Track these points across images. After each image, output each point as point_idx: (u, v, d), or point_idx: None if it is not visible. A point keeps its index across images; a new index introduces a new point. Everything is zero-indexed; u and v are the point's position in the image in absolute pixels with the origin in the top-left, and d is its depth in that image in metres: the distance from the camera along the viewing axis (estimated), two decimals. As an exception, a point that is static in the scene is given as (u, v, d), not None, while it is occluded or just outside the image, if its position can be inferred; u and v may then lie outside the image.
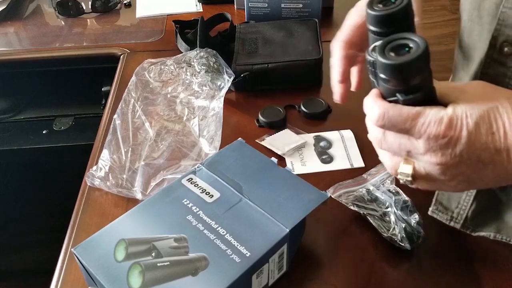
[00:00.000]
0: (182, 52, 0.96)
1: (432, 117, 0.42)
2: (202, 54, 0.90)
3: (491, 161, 0.42)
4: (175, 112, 0.83)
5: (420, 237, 0.61)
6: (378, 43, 0.44)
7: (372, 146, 0.48)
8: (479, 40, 0.57)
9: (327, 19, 1.14)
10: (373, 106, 0.45)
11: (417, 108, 0.43)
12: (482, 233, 0.61)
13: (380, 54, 0.42)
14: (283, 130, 0.83)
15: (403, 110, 0.43)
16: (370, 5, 0.45)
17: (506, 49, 0.52)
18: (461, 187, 0.46)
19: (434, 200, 0.63)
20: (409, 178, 0.46)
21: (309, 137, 0.82)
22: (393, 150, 0.46)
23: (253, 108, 0.87)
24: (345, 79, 0.63)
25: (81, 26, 1.21)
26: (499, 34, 0.52)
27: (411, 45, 0.42)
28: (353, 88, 0.66)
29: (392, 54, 0.42)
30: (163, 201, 0.59)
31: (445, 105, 0.43)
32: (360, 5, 0.61)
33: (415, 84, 0.43)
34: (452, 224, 0.62)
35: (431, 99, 0.44)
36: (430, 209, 0.63)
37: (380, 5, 0.44)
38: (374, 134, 0.46)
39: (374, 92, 0.46)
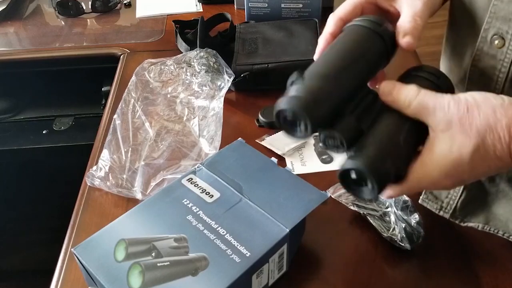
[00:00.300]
0: (182, 52, 0.96)
1: (430, 181, 0.45)
2: (202, 54, 0.90)
3: (494, 172, 0.50)
4: (175, 112, 0.83)
5: (420, 237, 0.61)
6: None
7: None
8: (469, 34, 0.57)
9: (327, 19, 1.14)
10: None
11: (412, 180, 0.46)
12: (470, 224, 0.62)
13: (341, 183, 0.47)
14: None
15: (403, 188, 0.46)
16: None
17: (496, 41, 0.52)
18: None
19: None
20: None
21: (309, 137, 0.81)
22: None
23: (253, 108, 0.87)
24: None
25: (81, 26, 1.21)
26: (490, 27, 0.53)
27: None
28: None
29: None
30: (163, 201, 0.59)
31: (422, 121, 0.45)
32: None
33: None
34: (441, 213, 0.63)
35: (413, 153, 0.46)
36: (421, 197, 0.64)
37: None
38: None
39: None
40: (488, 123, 0.42)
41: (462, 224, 0.62)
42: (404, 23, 0.50)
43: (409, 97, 0.45)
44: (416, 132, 0.46)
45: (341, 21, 0.54)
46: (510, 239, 0.60)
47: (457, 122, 0.43)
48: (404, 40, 0.49)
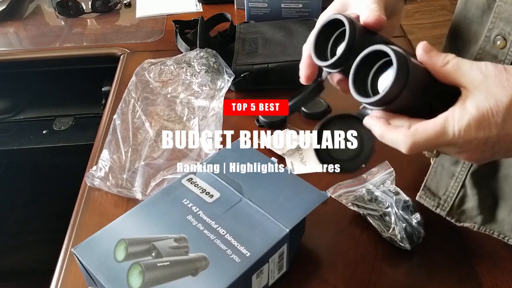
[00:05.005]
0: (182, 52, 0.96)
1: (460, 127, 0.41)
2: (202, 54, 0.90)
3: None
4: (175, 112, 0.83)
5: (420, 237, 0.61)
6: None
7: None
8: (473, 33, 0.57)
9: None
10: (396, 138, 0.44)
11: (440, 122, 0.42)
12: (466, 224, 0.61)
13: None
14: (283, 130, 0.83)
15: (428, 131, 0.42)
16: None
17: (499, 42, 0.52)
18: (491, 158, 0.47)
19: (422, 185, 0.63)
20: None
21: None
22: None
23: (253, 108, 0.87)
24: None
25: (81, 26, 1.21)
26: (494, 27, 0.53)
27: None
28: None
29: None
30: (163, 201, 0.59)
31: (454, 83, 0.43)
32: (332, 5, 0.58)
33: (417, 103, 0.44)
34: (438, 211, 0.63)
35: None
36: (418, 194, 0.64)
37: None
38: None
39: (379, 121, 0.45)
40: None
41: (458, 224, 0.62)
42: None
43: (448, 57, 0.44)
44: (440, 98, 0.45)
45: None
46: (505, 241, 0.59)
47: (493, 77, 0.42)
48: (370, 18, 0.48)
